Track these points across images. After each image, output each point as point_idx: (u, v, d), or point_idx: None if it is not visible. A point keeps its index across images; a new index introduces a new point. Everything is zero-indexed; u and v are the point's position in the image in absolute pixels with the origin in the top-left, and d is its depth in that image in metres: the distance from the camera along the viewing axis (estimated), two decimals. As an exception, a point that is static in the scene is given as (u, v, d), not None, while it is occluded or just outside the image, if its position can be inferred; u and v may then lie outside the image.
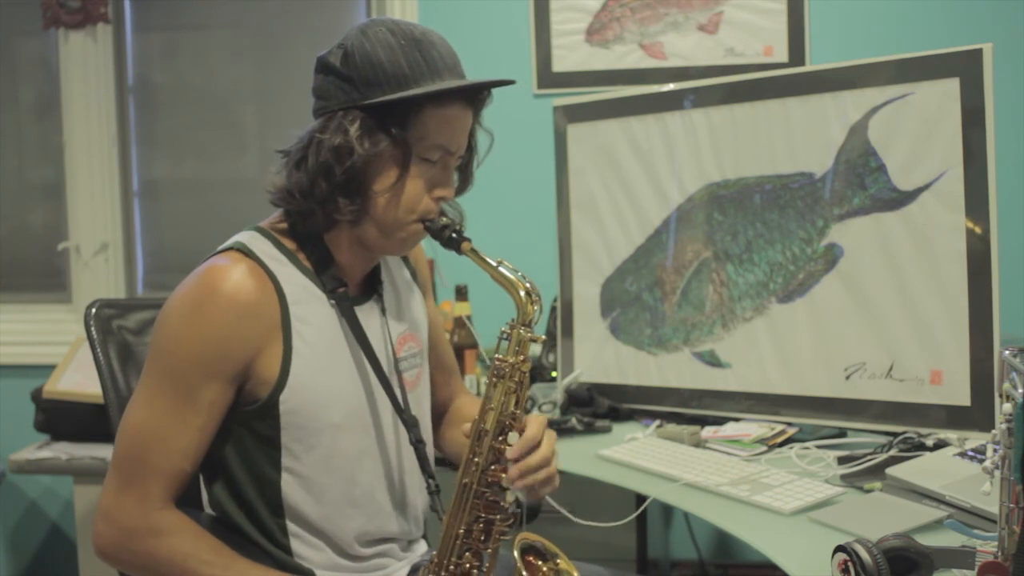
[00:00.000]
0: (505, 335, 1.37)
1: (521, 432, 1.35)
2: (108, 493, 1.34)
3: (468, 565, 1.37)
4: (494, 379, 1.36)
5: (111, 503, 1.33)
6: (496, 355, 1.37)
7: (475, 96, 1.41)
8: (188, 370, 1.31)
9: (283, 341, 1.35)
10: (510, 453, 1.34)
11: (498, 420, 1.35)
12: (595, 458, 1.96)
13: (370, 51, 1.34)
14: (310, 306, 1.39)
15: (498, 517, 1.36)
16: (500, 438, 1.35)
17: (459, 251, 1.39)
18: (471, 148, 1.47)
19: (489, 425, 1.35)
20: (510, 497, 1.35)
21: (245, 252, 1.36)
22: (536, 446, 1.36)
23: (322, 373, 1.38)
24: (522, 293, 1.36)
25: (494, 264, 1.38)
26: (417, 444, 1.47)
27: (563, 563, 1.38)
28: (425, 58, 1.35)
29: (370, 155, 1.32)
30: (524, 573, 1.33)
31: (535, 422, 1.37)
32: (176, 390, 1.31)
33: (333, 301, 1.40)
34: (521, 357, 1.36)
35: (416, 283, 1.61)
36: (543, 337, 1.40)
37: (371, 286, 1.50)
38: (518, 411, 1.36)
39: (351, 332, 1.42)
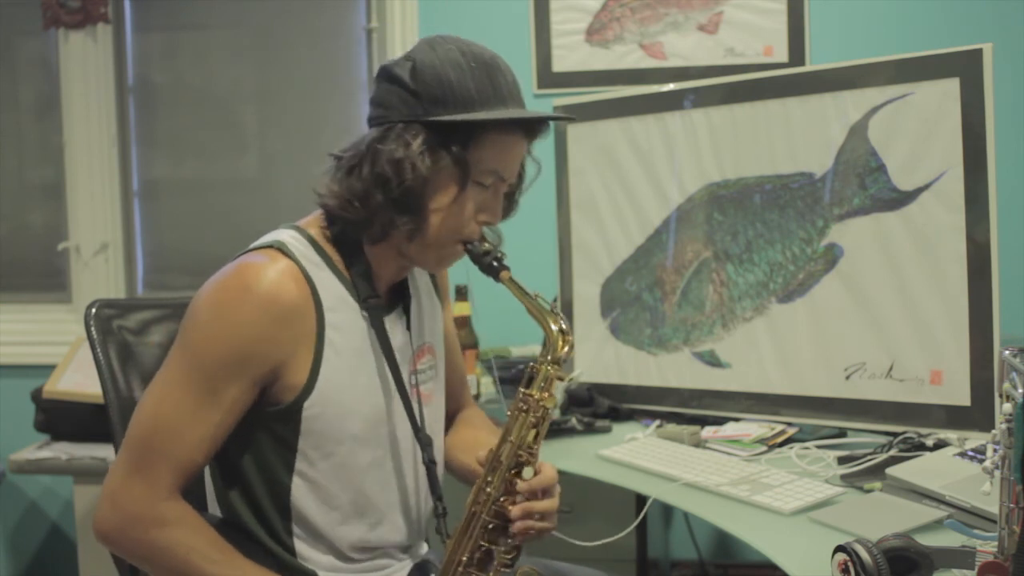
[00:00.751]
0: (533, 370, 1.37)
1: (536, 470, 1.35)
2: (116, 476, 1.31)
3: None
4: (517, 412, 1.36)
5: (118, 487, 1.31)
6: (521, 388, 1.37)
7: (534, 127, 1.41)
8: (215, 367, 1.29)
9: (315, 348, 1.34)
10: (521, 487, 1.34)
11: (515, 454, 1.35)
12: (595, 458, 1.96)
13: (439, 68, 1.33)
14: (343, 314, 1.37)
15: (501, 548, 1.36)
16: (513, 471, 1.35)
17: (497, 279, 1.39)
18: (520, 177, 1.47)
19: (505, 457, 1.35)
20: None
21: (284, 252, 1.35)
22: (547, 493, 1.36)
23: (348, 383, 1.37)
24: (555, 329, 1.36)
25: (531, 296, 1.38)
26: (429, 464, 1.46)
27: None
28: (492, 83, 1.35)
29: (430, 173, 1.32)
30: None
31: (550, 470, 1.38)
32: (200, 385, 1.29)
33: (365, 312, 1.39)
34: (546, 393, 1.36)
35: (437, 293, 1.60)
36: (571, 376, 1.40)
37: (398, 296, 1.48)
38: (536, 446, 1.36)
39: (378, 343, 1.41)
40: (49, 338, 3.16)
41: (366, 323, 1.39)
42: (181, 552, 1.30)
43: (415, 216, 1.34)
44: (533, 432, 1.35)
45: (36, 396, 2.71)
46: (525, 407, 1.35)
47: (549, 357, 1.36)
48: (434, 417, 1.53)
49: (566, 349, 1.36)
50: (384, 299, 1.44)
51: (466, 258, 1.41)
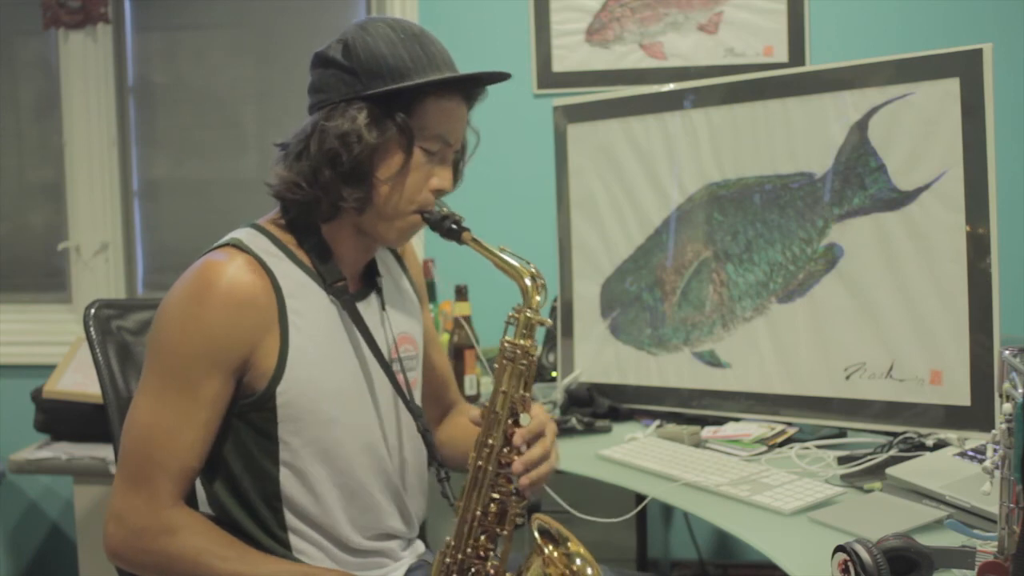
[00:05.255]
0: (512, 319, 1.38)
1: (530, 416, 1.36)
2: (117, 494, 1.34)
3: (483, 550, 1.38)
4: (504, 362, 1.37)
5: (121, 504, 1.33)
6: (505, 338, 1.38)
7: (472, 90, 1.43)
8: (189, 365, 1.32)
9: (280, 334, 1.36)
10: (515, 439, 1.35)
11: (509, 403, 1.36)
12: (595, 458, 1.96)
13: (371, 44, 1.37)
14: (307, 300, 1.40)
15: (513, 499, 1.37)
16: (511, 420, 1.36)
17: (460, 241, 1.41)
18: (463, 146, 1.49)
19: (500, 408, 1.36)
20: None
21: (241, 248, 1.37)
22: (539, 436, 1.37)
23: (319, 367, 1.39)
24: (527, 280, 1.38)
25: (496, 251, 1.39)
26: (424, 433, 1.48)
27: (574, 546, 1.38)
28: (425, 51, 1.38)
29: (377, 143, 1.35)
30: (545, 548, 1.33)
31: (539, 412, 1.39)
32: (179, 386, 1.32)
33: (332, 296, 1.41)
34: (529, 340, 1.37)
35: (414, 289, 1.61)
36: (550, 321, 1.41)
37: (369, 280, 1.51)
38: (527, 393, 1.37)
39: (353, 326, 1.43)
40: (49, 338, 3.16)
41: (335, 307, 1.42)
42: (192, 555, 1.32)
43: (362, 187, 1.37)
44: (523, 380, 1.37)
45: (36, 396, 2.70)
46: (511, 356, 1.36)
47: (526, 305, 1.38)
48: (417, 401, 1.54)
49: (540, 296, 1.38)
50: (355, 284, 1.47)
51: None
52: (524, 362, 1.37)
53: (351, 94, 1.36)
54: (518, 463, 1.34)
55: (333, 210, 1.39)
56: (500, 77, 1.42)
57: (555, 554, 1.36)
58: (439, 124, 1.39)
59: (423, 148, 1.39)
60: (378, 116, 1.35)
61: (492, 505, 1.37)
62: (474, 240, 1.40)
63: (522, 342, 1.37)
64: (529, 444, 1.36)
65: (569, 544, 1.37)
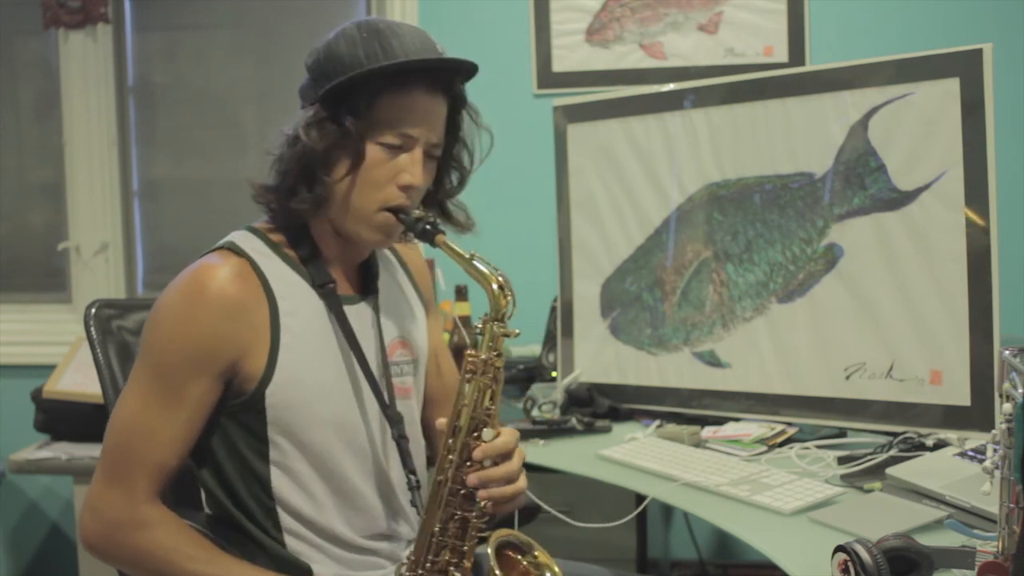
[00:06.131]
0: (479, 331, 1.38)
1: (496, 431, 1.35)
2: (95, 486, 1.36)
3: (445, 562, 1.37)
4: (468, 375, 1.37)
5: (98, 496, 1.35)
6: (469, 352, 1.37)
7: (443, 84, 1.40)
8: (176, 367, 1.33)
9: (271, 335, 1.36)
10: (476, 454, 1.34)
11: (472, 417, 1.36)
12: (595, 458, 1.96)
13: (333, 47, 1.39)
14: (298, 301, 1.40)
15: (474, 514, 1.36)
16: (474, 435, 1.36)
17: (432, 243, 1.39)
18: (459, 143, 1.47)
19: (463, 422, 1.36)
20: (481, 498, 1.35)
21: (235, 250, 1.38)
22: (505, 457, 1.36)
23: (309, 368, 1.39)
24: (495, 287, 1.36)
25: (467, 257, 1.38)
26: (400, 440, 1.47)
27: (541, 556, 1.38)
28: (383, 46, 1.36)
29: (317, 145, 1.35)
30: (497, 572, 1.33)
31: (508, 434, 1.37)
32: (164, 386, 1.33)
33: (320, 297, 1.42)
34: (495, 353, 1.37)
35: (420, 298, 1.61)
36: (516, 332, 1.39)
37: (365, 286, 1.50)
38: (492, 408, 1.36)
39: (339, 329, 1.43)
40: (49, 338, 3.16)
41: (324, 308, 1.42)
42: (162, 553, 1.34)
43: (315, 187, 1.37)
44: (488, 393, 1.36)
45: (36, 396, 2.70)
46: (474, 369, 1.36)
47: (493, 316, 1.37)
48: (410, 409, 1.53)
49: (508, 303, 1.37)
50: (349, 288, 1.47)
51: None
52: (489, 375, 1.36)
53: (313, 98, 1.38)
54: (473, 477, 1.34)
55: (294, 213, 1.39)
56: (450, 63, 1.38)
57: (522, 562, 1.36)
58: (398, 119, 1.36)
59: (382, 144, 1.37)
60: (322, 118, 1.36)
61: (454, 520, 1.37)
62: (446, 243, 1.38)
63: (485, 355, 1.36)
64: (496, 463, 1.35)
65: (536, 554, 1.37)
